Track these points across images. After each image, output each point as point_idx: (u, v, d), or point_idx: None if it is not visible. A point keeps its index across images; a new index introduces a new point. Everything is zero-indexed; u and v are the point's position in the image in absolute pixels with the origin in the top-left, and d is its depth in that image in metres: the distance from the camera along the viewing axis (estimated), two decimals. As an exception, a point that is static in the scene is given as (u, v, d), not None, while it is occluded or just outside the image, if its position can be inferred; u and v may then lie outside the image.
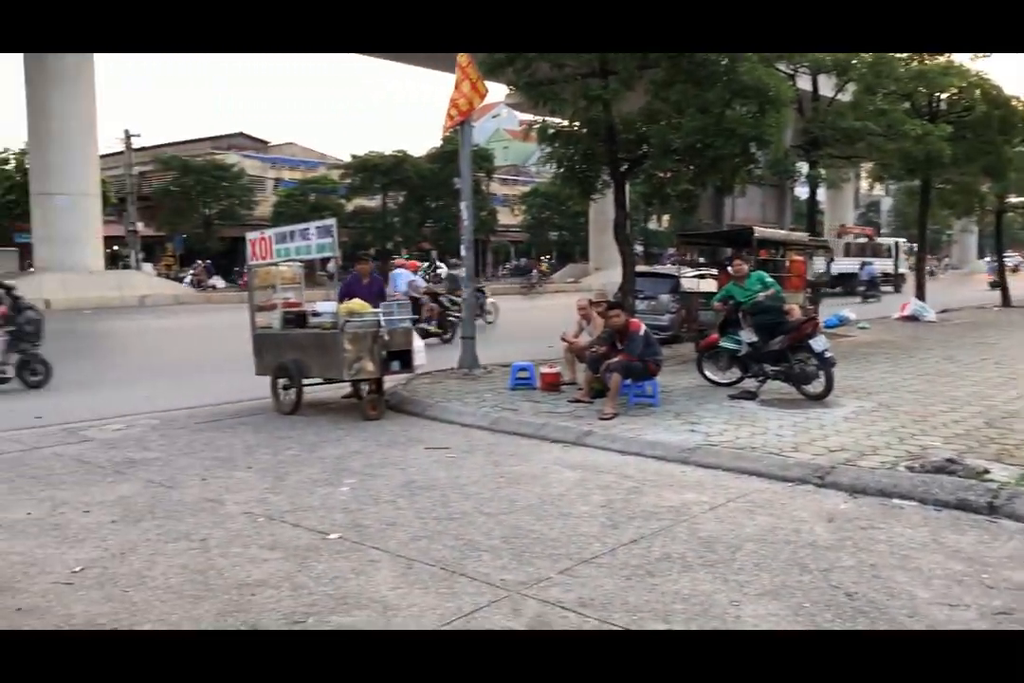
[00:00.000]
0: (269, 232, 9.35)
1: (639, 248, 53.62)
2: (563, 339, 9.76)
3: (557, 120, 11.70)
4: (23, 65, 29.02)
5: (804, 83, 16.47)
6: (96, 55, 30.09)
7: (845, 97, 16.65)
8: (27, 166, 31.64)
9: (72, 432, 7.70)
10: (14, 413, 8.61)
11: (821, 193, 26.36)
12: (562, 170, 11.99)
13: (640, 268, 15.99)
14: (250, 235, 9.57)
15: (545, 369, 9.52)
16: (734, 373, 9.50)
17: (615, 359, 8.13)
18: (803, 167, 16.37)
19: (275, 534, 4.77)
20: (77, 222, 29.13)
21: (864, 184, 58.32)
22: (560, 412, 8.10)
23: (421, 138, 75.59)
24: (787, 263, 13.73)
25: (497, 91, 15.87)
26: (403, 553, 4.44)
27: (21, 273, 32.11)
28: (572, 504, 5.33)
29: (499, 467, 6.31)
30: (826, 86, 17.21)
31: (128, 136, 40.60)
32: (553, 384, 9.33)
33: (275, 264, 9.29)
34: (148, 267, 40.35)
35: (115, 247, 41.76)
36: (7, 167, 37.21)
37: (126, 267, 38.64)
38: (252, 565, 4.28)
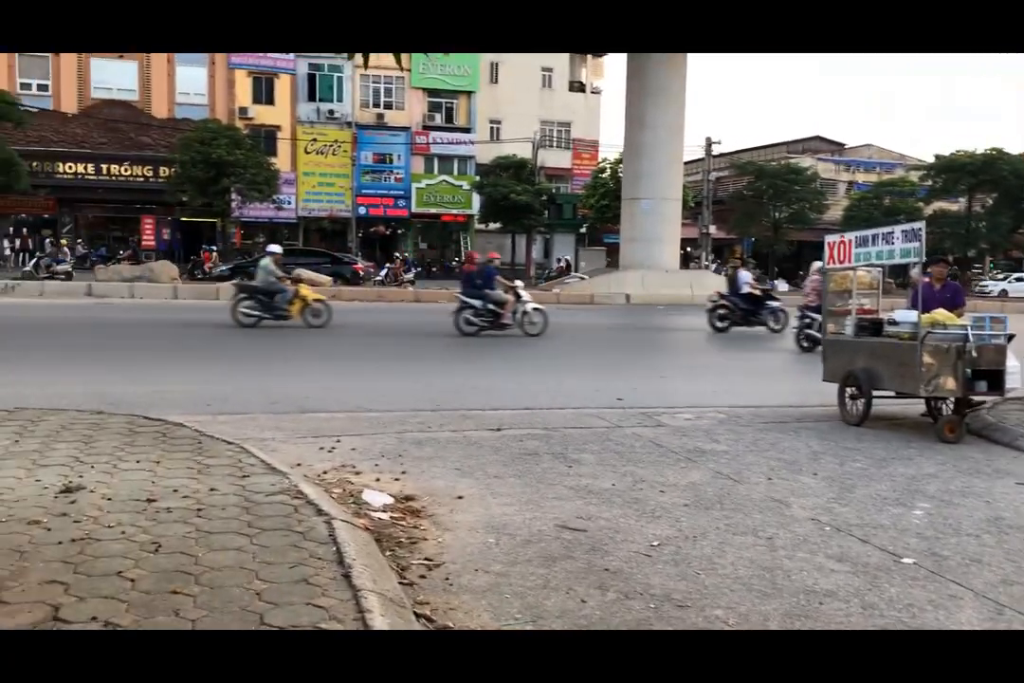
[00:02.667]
0: (849, 235, 9.08)
1: None
2: None
3: None
4: (624, 81, 32.28)
5: None
6: (688, 66, 32.18)
7: None
8: (620, 174, 35.25)
9: (648, 416, 8.35)
10: (599, 394, 9.62)
11: None
12: None
13: None
14: (829, 237, 9.41)
15: None
16: None
17: None
18: None
19: (842, 546, 4.61)
20: (658, 224, 31.62)
21: None
22: None
23: None
24: None
25: None
26: (990, 595, 3.98)
27: (606, 270, 35.94)
28: None
29: (1114, 516, 5.33)
30: None
31: (709, 143, 43.03)
32: None
33: (853, 269, 9.00)
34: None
35: (688, 248, 44.53)
36: (603, 175, 41.94)
37: (697, 268, 40.88)
38: (819, 573, 4.20)
